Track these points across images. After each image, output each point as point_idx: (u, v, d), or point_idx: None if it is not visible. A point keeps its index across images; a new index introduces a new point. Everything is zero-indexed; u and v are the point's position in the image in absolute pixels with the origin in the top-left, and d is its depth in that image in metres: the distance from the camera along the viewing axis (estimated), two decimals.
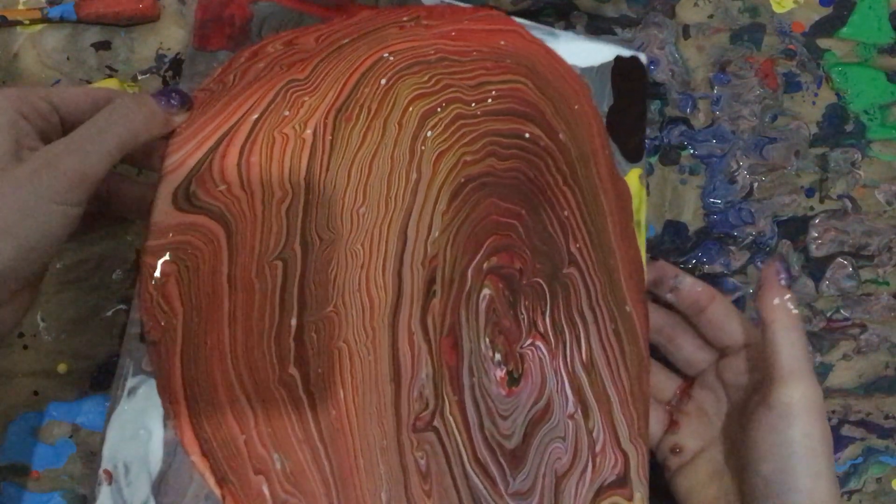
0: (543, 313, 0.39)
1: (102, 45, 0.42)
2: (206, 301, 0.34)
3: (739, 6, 0.48)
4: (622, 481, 0.38)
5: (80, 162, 0.30)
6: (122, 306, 0.41)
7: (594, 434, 0.38)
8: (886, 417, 0.48)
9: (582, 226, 0.40)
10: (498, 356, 0.37)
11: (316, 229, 0.36)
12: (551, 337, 0.39)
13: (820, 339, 0.48)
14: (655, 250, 0.46)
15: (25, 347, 0.40)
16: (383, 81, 0.38)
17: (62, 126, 0.33)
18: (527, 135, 0.40)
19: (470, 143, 0.39)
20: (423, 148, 0.38)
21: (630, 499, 0.38)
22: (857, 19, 0.49)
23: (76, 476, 0.40)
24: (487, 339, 0.37)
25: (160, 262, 0.33)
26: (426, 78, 0.39)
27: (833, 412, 0.48)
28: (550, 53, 0.42)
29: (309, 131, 0.37)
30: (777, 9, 0.49)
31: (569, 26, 0.47)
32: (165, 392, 0.33)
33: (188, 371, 0.33)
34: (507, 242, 0.39)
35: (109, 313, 0.41)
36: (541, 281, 0.39)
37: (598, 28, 0.47)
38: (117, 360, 0.40)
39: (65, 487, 0.40)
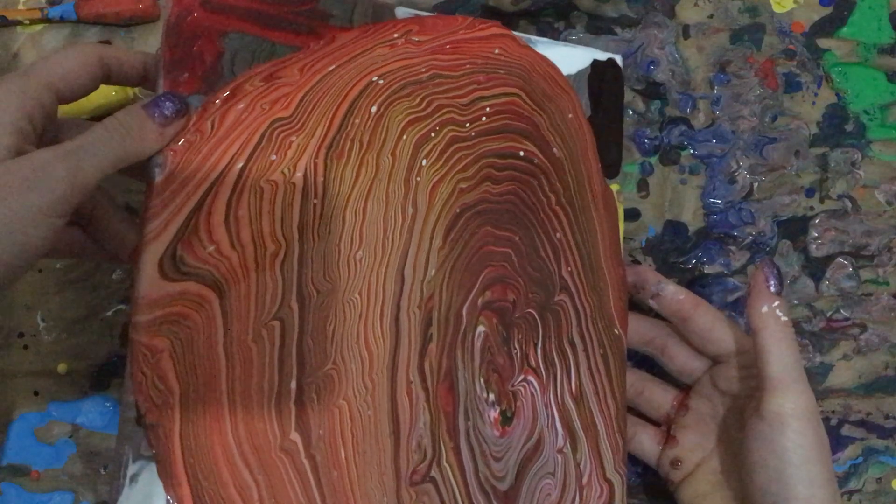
0: (535, 346, 0.38)
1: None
2: (202, 375, 0.32)
3: (739, 6, 0.48)
4: None
5: (71, 172, 0.29)
6: (122, 306, 0.41)
7: (581, 466, 0.38)
8: (886, 417, 0.48)
9: (574, 248, 0.40)
10: (492, 396, 0.37)
11: (313, 282, 0.34)
12: (542, 371, 0.38)
13: (820, 339, 0.48)
14: (655, 250, 0.46)
15: (25, 347, 0.40)
16: (374, 109, 0.36)
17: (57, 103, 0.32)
18: (521, 153, 0.39)
19: (465, 168, 0.38)
20: (418, 179, 0.36)
21: None
22: (857, 19, 0.49)
23: (76, 476, 0.40)
24: (482, 380, 0.37)
25: (151, 338, 0.31)
26: (418, 101, 0.37)
27: (833, 412, 0.48)
28: (544, 60, 0.41)
29: (299, 174, 0.34)
30: (777, 9, 0.49)
31: (569, 26, 0.47)
32: (167, 476, 0.31)
33: (188, 451, 0.31)
34: (501, 273, 0.38)
35: (109, 313, 0.41)
36: (533, 312, 0.38)
37: (598, 28, 0.47)
38: (117, 360, 0.40)
39: (65, 487, 0.40)
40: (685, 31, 0.48)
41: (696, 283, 0.47)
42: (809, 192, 0.48)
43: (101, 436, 0.40)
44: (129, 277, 0.41)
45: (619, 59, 0.42)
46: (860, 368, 0.48)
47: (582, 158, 0.41)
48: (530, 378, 0.38)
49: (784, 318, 0.36)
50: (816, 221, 0.48)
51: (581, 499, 0.38)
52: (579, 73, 0.41)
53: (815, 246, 0.48)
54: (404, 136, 0.36)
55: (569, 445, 0.38)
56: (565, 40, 0.47)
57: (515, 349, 0.38)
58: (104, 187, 0.34)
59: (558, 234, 0.39)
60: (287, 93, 0.35)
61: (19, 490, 0.39)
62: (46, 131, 0.31)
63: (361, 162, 0.35)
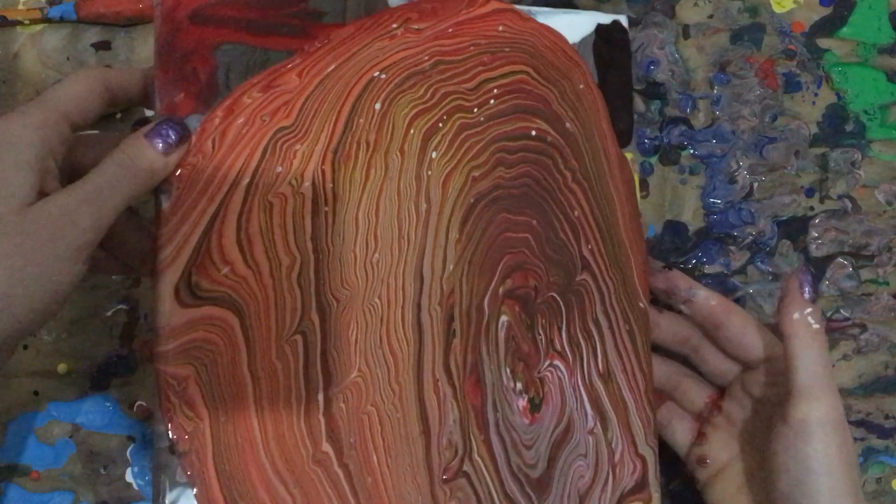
0: (560, 329, 0.38)
1: (102, 45, 0.42)
2: (230, 397, 0.32)
3: (739, 6, 0.48)
4: (641, 486, 0.38)
5: (97, 217, 0.29)
6: (123, 306, 0.41)
7: (613, 444, 0.38)
8: (886, 417, 0.48)
9: (593, 224, 0.39)
10: (519, 385, 0.37)
11: (331, 291, 0.34)
12: (568, 353, 0.38)
13: None
14: (655, 250, 0.46)
15: (25, 347, 0.40)
16: (378, 106, 0.35)
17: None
18: (533, 132, 0.38)
19: (476, 155, 0.37)
20: (429, 173, 0.36)
21: (649, 501, 0.38)
22: (857, 19, 0.49)
23: (76, 476, 0.40)
24: (508, 370, 0.37)
25: (176, 366, 0.32)
26: (422, 91, 0.36)
27: None
28: (549, 30, 0.39)
29: (307, 184, 0.34)
30: (777, 9, 0.49)
31: None
32: (205, 501, 0.31)
33: (223, 474, 0.32)
34: (521, 260, 0.37)
35: (109, 313, 0.41)
36: (555, 295, 0.38)
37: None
38: (117, 360, 0.40)
39: (65, 487, 0.40)
40: (685, 31, 0.48)
41: None
42: (809, 192, 0.48)
43: (101, 436, 0.40)
44: (130, 277, 0.41)
45: (623, 21, 0.41)
46: (860, 368, 0.48)
47: (596, 129, 0.40)
48: (556, 363, 0.38)
49: (815, 326, 0.36)
50: (816, 221, 0.48)
51: (614, 477, 0.38)
52: (584, 40, 0.40)
53: (815, 246, 0.48)
54: (411, 131, 0.36)
55: (599, 426, 0.38)
56: None
57: (540, 335, 0.37)
58: None
59: (576, 213, 0.39)
60: (287, 100, 0.34)
61: (19, 490, 0.39)
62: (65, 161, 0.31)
63: (370, 163, 0.35)
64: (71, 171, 0.32)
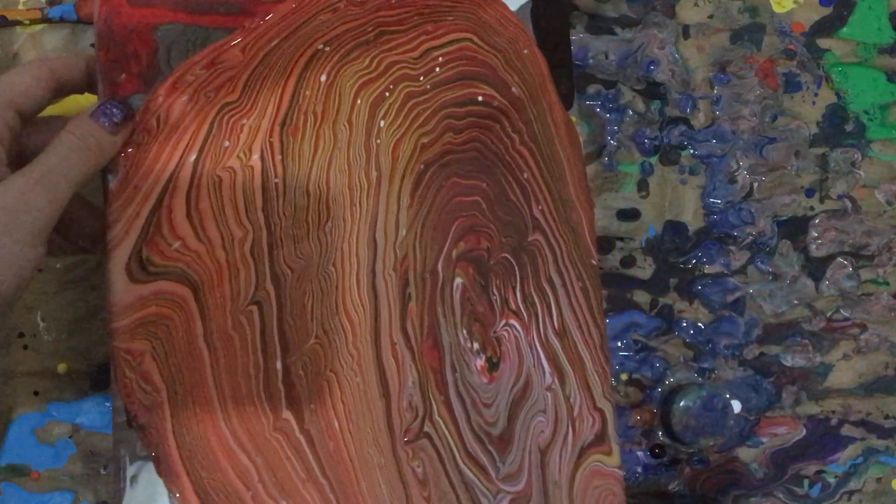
0: (514, 289, 0.38)
1: None
2: (187, 369, 0.33)
3: (739, 6, 0.48)
4: (600, 439, 0.39)
5: (51, 198, 0.29)
6: None
7: (571, 400, 0.39)
8: (886, 417, 0.48)
9: (543, 185, 0.40)
10: (476, 345, 0.37)
11: (285, 261, 0.34)
12: (524, 312, 0.39)
13: (820, 339, 0.48)
14: (655, 250, 0.47)
15: (25, 347, 0.40)
16: (323, 78, 0.36)
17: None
18: (480, 97, 0.39)
19: (424, 122, 0.37)
20: (378, 142, 0.36)
21: (610, 453, 0.39)
22: (857, 19, 0.49)
23: (76, 476, 0.40)
24: (465, 331, 0.37)
25: (131, 342, 0.32)
26: (367, 62, 0.37)
27: (833, 412, 0.48)
28: None
29: (255, 157, 0.34)
30: (777, 9, 0.49)
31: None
32: (166, 473, 0.32)
33: (184, 445, 0.32)
34: (473, 222, 0.38)
35: None
36: (508, 256, 0.39)
37: (598, 28, 0.47)
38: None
39: (65, 487, 0.40)
40: (685, 31, 0.48)
41: (696, 283, 0.47)
42: (809, 192, 0.48)
43: (101, 436, 0.40)
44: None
45: None
46: (860, 368, 0.48)
47: (542, 93, 0.40)
48: (512, 321, 0.38)
49: None
50: (816, 221, 0.48)
51: (574, 431, 0.38)
52: (521, 7, 0.40)
53: (815, 246, 0.48)
54: (358, 101, 0.36)
55: (557, 381, 0.39)
56: None
57: (494, 295, 0.38)
58: None
59: (525, 175, 0.39)
60: (231, 76, 0.34)
61: (19, 490, 0.39)
62: (12, 147, 0.31)
63: (318, 134, 0.35)
64: (19, 155, 0.32)
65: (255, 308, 0.34)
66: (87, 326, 0.40)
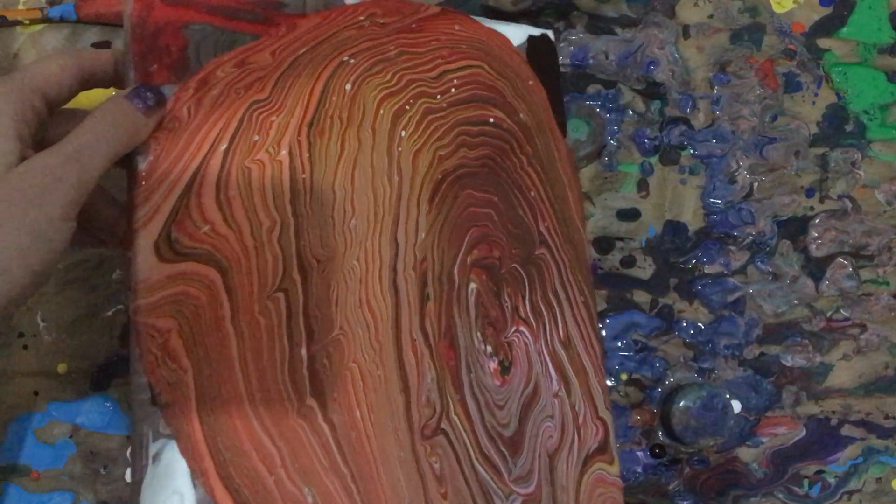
0: (523, 298, 0.40)
1: (102, 45, 0.42)
2: (213, 350, 0.32)
3: (739, 6, 0.48)
4: (603, 448, 0.40)
5: (80, 174, 0.29)
6: (122, 306, 0.41)
7: (576, 408, 0.40)
8: (886, 417, 0.48)
9: (548, 204, 0.41)
10: (489, 348, 0.38)
11: (311, 252, 0.35)
12: (532, 320, 0.40)
13: (820, 339, 0.48)
14: (655, 250, 0.47)
15: (25, 347, 0.40)
16: (348, 87, 0.37)
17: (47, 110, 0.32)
18: (491, 119, 0.41)
19: (441, 136, 0.39)
20: (399, 150, 0.38)
21: (612, 462, 0.40)
22: (857, 19, 0.49)
23: (76, 476, 0.40)
24: (479, 333, 0.38)
25: (157, 319, 0.32)
26: (389, 76, 0.38)
27: (833, 412, 0.48)
28: (496, 33, 0.42)
29: (284, 152, 0.35)
30: (777, 9, 0.49)
31: (569, 26, 0.47)
32: (189, 452, 0.31)
33: (208, 425, 0.32)
34: (485, 232, 0.39)
35: (109, 313, 0.41)
36: (517, 266, 0.40)
37: (598, 28, 0.47)
38: (117, 360, 0.40)
39: (65, 487, 0.40)
40: (685, 31, 0.48)
41: (696, 283, 0.47)
42: (809, 192, 0.48)
43: (101, 436, 0.40)
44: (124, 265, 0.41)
45: (550, 35, 0.44)
46: (860, 368, 0.48)
47: (545, 120, 0.43)
48: (522, 328, 0.39)
49: None
50: (816, 221, 0.48)
51: (580, 438, 0.39)
52: (518, 47, 0.43)
53: (815, 246, 0.48)
54: (381, 111, 0.38)
55: (563, 389, 0.40)
56: (565, 40, 0.47)
57: (506, 302, 0.39)
58: None
59: (532, 193, 0.41)
60: (261, 76, 0.36)
61: (19, 490, 0.39)
62: (38, 134, 0.31)
63: (343, 138, 0.37)
64: (42, 144, 0.32)
65: (281, 295, 0.34)
66: (87, 326, 0.40)
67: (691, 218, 0.47)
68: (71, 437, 0.40)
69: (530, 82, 0.42)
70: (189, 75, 0.35)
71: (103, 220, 0.35)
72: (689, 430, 0.45)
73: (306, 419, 0.33)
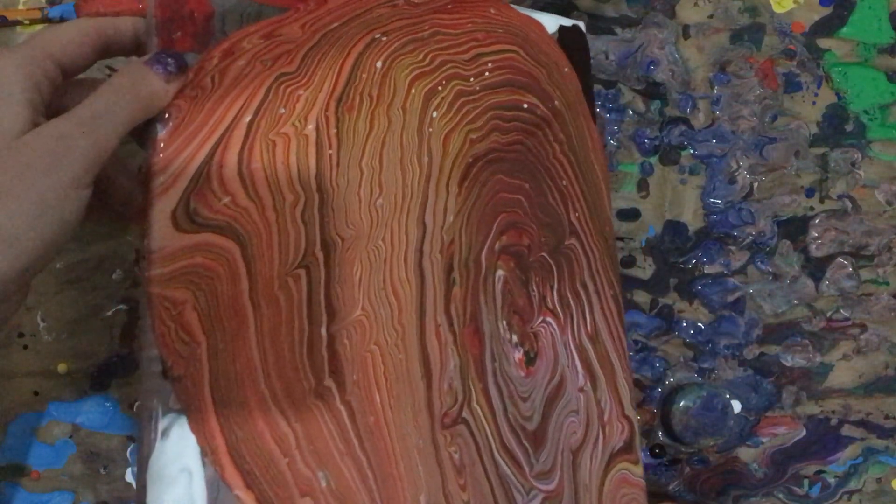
0: (552, 288, 0.39)
1: None
2: (229, 324, 0.31)
3: (739, 6, 0.48)
4: (629, 447, 0.39)
5: (93, 141, 0.28)
6: (122, 306, 0.41)
7: (602, 404, 0.38)
8: (886, 417, 0.48)
9: (579, 194, 0.40)
10: (515, 338, 0.37)
11: (336, 229, 0.34)
12: (560, 312, 0.39)
13: (820, 339, 0.48)
14: (655, 250, 0.46)
15: (25, 347, 0.40)
16: (379, 64, 0.36)
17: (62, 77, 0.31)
18: (525, 105, 0.40)
19: (474, 119, 0.38)
20: (430, 130, 0.37)
21: (637, 463, 0.39)
22: (857, 19, 0.49)
23: (76, 476, 0.40)
24: (504, 322, 0.37)
25: (172, 290, 0.31)
26: (421, 56, 0.37)
27: (833, 412, 0.48)
28: (532, 20, 0.42)
29: (311, 126, 0.34)
30: (777, 9, 0.49)
31: None
32: (199, 428, 0.30)
33: (220, 402, 0.31)
34: (515, 219, 0.38)
35: (109, 313, 0.41)
36: (546, 255, 0.39)
37: (598, 28, 0.47)
38: (117, 360, 0.40)
39: (65, 487, 0.40)
40: (685, 31, 0.48)
41: (696, 283, 0.47)
42: (809, 192, 0.48)
43: (101, 436, 0.40)
44: (130, 277, 0.41)
45: (582, 26, 0.43)
46: (860, 368, 0.48)
47: (579, 109, 0.42)
48: (549, 319, 0.38)
49: None
50: (816, 221, 0.48)
51: (605, 436, 0.38)
52: (551, 35, 0.42)
53: (815, 246, 0.48)
54: (412, 90, 0.37)
55: (589, 384, 0.38)
56: None
57: (534, 291, 0.38)
58: None
59: (564, 182, 0.40)
60: (289, 49, 0.35)
61: (19, 490, 0.39)
62: (53, 101, 0.31)
63: (373, 115, 0.36)
64: (58, 113, 0.31)
65: (303, 272, 0.33)
66: (87, 326, 0.40)
67: (691, 218, 0.47)
68: (71, 437, 0.40)
69: (565, 70, 0.41)
70: (214, 45, 0.34)
71: (121, 191, 0.34)
72: (689, 430, 0.45)
73: (323, 400, 0.32)
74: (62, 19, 0.41)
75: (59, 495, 0.39)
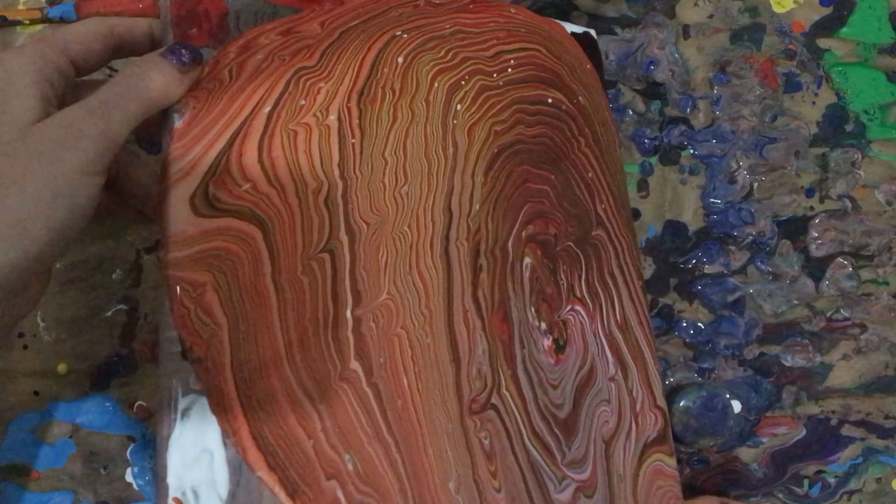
0: (580, 277, 0.39)
1: None
2: (251, 306, 0.31)
3: (739, 6, 0.48)
4: (662, 438, 0.38)
5: (104, 127, 0.28)
6: (122, 306, 0.41)
7: (633, 394, 0.38)
8: (886, 417, 0.48)
9: (605, 186, 0.41)
10: (543, 325, 0.37)
11: (360, 215, 0.34)
12: (588, 301, 0.39)
13: (820, 339, 0.48)
14: (655, 250, 0.46)
15: (25, 347, 0.40)
16: (400, 60, 0.36)
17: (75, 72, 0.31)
18: (549, 100, 0.40)
19: (498, 112, 0.38)
20: (454, 122, 0.37)
21: (671, 455, 0.38)
22: (857, 19, 0.49)
23: (76, 476, 0.40)
24: (533, 309, 0.37)
25: (191, 273, 0.31)
26: (443, 52, 0.37)
27: (833, 412, 0.48)
28: (551, 21, 0.42)
29: (332, 117, 0.34)
30: (777, 9, 0.49)
31: None
32: (220, 409, 0.30)
33: (242, 383, 0.30)
34: (541, 209, 0.38)
35: (109, 313, 0.41)
36: (573, 245, 0.39)
37: (598, 28, 0.47)
38: (117, 360, 0.40)
39: (65, 487, 0.40)
40: (685, 31, 0.48)
41: (696, 283, 0.47)
42: (809, 192, 0.48)
43: (101, 436, 0.40)
44: (130, 277, 0.41)
45: (593, 33, 0.44)
46: (860, 368, 0.48)
47: (602, 104, 0.42)
48: (578, 308, 0.38)
49: None
50: (816, 221, 0.48)
51: (637, 426, 0.38)
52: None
53: (815, 246, 0.48)
54: (435, 84, 0.37)
55: (620, 373, 0.38)
56: None
57: (562, 279, 0.38)
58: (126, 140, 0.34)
59: (590, 174, 0.40)
60: (309, 45, 0.35)
61: (19, 490, 0.39)
62: (66, 97, 0.31)
63: (396, 108, 0.36)
64: None
65: (327, 256, 0.33)
66: (87, 326, 0.40)
67: (691, 218, 0.47)
68: (71, 437, 0.40)
69: (587, 66, 0.42)
70: (230, 41, 0.34)
71: (137, 185, 0.34)
72: (689, 430, 0.45)
73: (349, 383, 0.32)
74: (62, 19, 0.41)
75: (59, 495, 0.39)
